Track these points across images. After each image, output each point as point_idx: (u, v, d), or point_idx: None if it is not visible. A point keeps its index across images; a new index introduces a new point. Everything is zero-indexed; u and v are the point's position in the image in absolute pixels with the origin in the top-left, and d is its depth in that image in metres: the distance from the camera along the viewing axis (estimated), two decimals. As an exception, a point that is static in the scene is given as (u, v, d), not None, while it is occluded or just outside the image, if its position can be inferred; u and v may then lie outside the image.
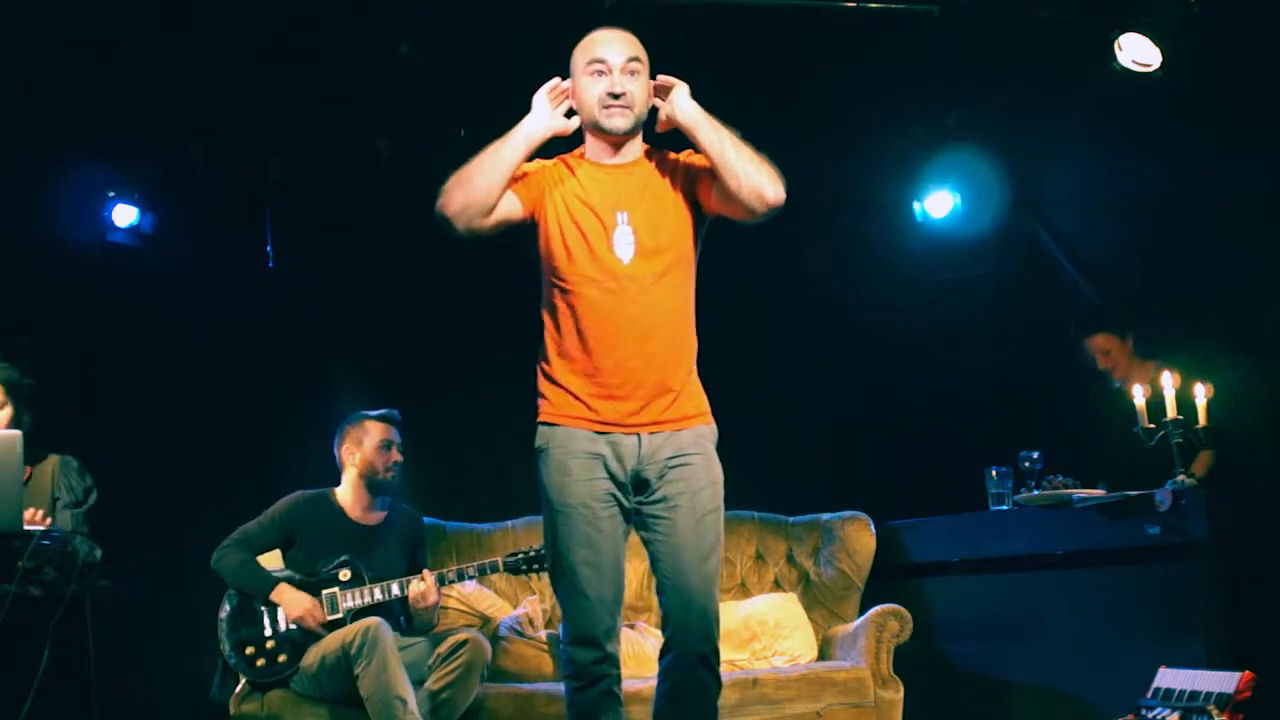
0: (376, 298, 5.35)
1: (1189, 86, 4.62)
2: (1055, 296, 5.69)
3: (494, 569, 4.19)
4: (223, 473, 4.90)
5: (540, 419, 3.02)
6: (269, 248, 5.28)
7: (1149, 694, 3.71)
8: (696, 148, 2.99)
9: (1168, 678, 3.71)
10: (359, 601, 4.06)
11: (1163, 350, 4.74)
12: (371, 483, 4.22)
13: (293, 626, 4.04)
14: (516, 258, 3.15)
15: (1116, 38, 4.58)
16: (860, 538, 4.91)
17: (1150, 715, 3.64)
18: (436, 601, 4.11)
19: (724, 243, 3.22)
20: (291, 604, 4.03)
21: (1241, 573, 3.88)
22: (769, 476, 5.22)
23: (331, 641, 3.92)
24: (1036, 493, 4.48)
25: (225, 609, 4.07)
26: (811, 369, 5.65)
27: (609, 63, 2.98)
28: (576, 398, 2.97)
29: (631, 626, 4.66)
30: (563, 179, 3.05)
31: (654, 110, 3.06)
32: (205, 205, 5.24)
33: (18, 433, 3.64)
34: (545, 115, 3.02)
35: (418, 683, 3.89)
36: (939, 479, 5.28)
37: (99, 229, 5.15)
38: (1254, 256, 4.68)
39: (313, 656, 3.97)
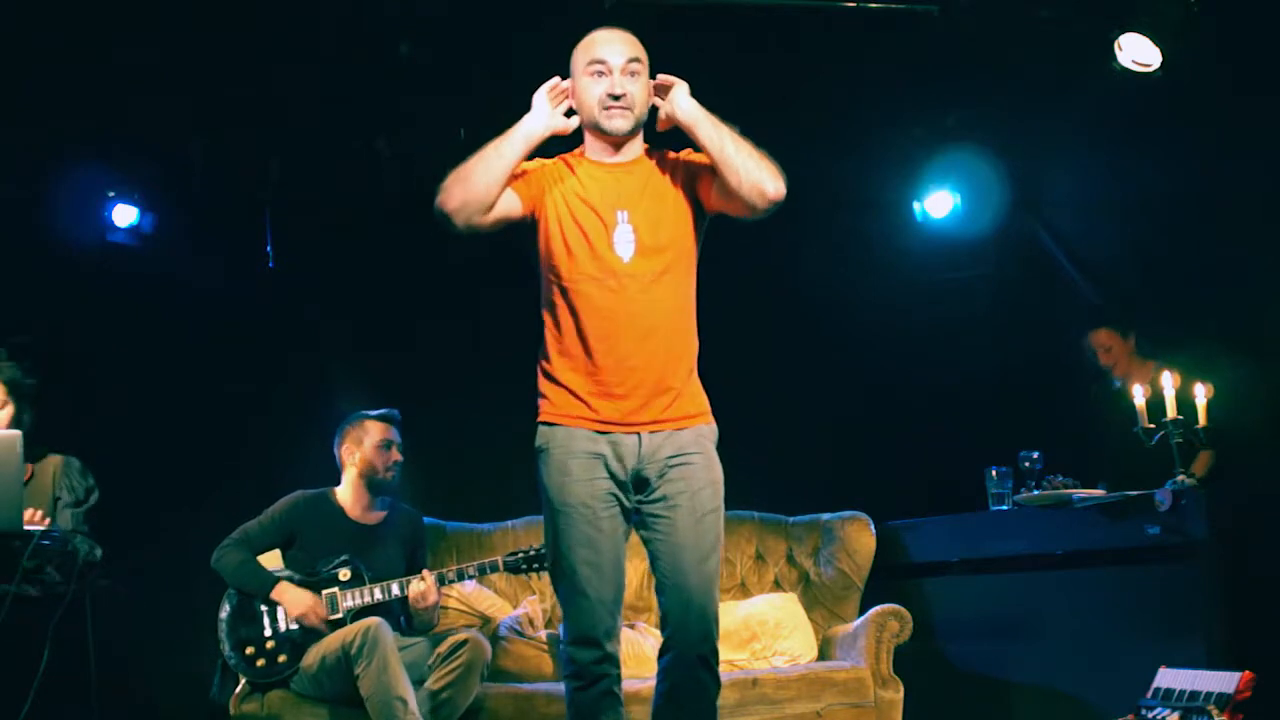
0: (376, 298, 5.35)
1: (1189, 86, 4.62)
2: (1055, 296, 5.70)
3: (494, 568, 4.19)
4: (223, 473, 4.90)
5: (540, 419, 3.02)
6: (269, 248, 5.28)
7: (1149, 694, 3.71)
8: (697, 146, 2.99)
9: (1168, 678, 3.71)
10: (359, 601, 4.06)
11: (1163, 350, 4.75)
12: (371, 482, 4.23)
13: (293, 626, 4.04)
14: (516, 257, 3.15)
15: (1116, 38, 4.58)
16: (860, 538, 4.91)
17: (1150, 715, 3.64)
18: (436, 601, 4.11)
19: (724, 243, 3.22)
20: (293, 602, 4.03)
21: (1241, 573, 3.88)
22: (769, 476, 5.23)
23: (332, 641, 3.92)
24: (1036, 493, 4.48)
25: (225, 609, 4.07)
26: (811, 369, 5.65)
27: (609, 63, 2.98)
28: (577, 396, 2.97)
29: (631, 626, 4.66)
30: (563, 177, 3.05)
31: (654, 109, 3.07)
32: (205, 205, 5.24)
33: (18, 433, 3.64)
34: (545, 114, 3.02)
35: (418, 682, 3.89)
36: (939, 479, 5.28)
37: (99, 229, 5.15)
38: (1254, 256, 4.69)
39: (313, 656, 3.97)
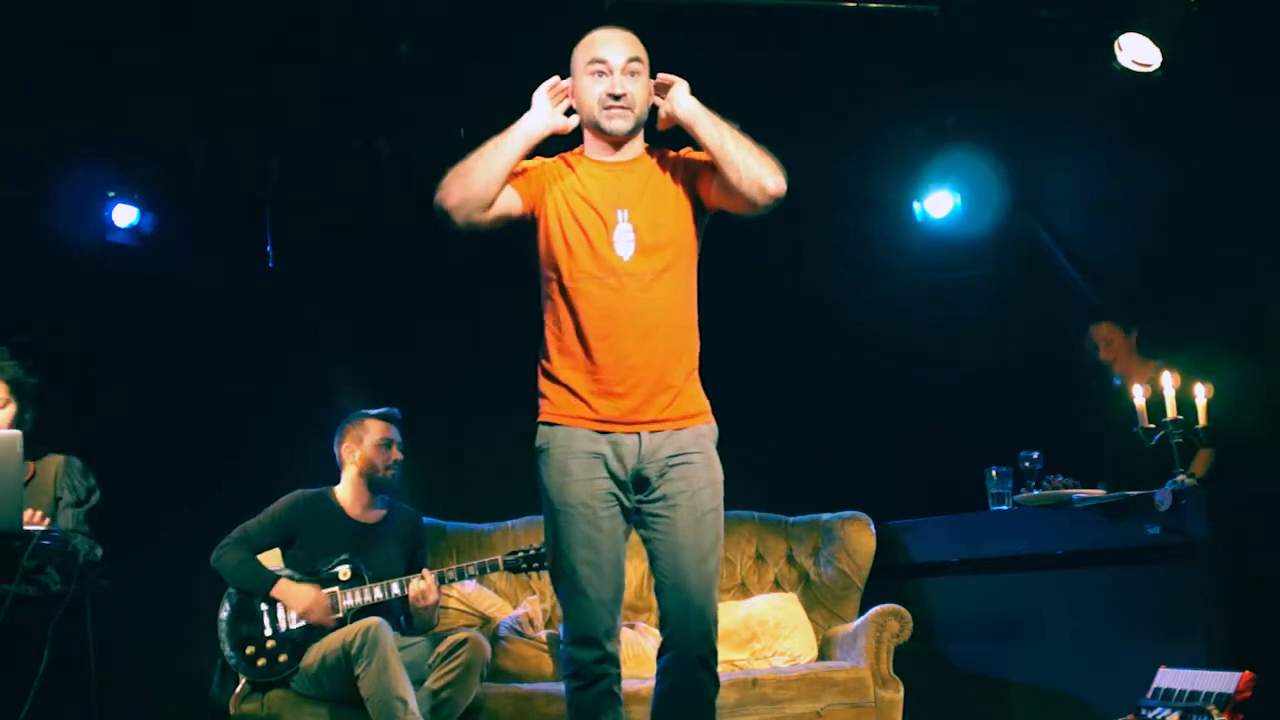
0: (376, 298, 5.35)
1: (1189, 86, 4.62)
2: (1055, 296, 5.70)
3: (494, 568, 4.19)
4: (223, 473, 4.90)
5: (541, 419, 3.03)
6: (269, 248, 5.28)
7: (1149, 694, 3.71)
8: (697, 143, 2.99)
9: (1168, 678, 3.71)
10: (359, 600, 4.06)
11: (1163, 350, 4.75)
12: (371, 481, 4.23)
13: (294, 626, 4.04)
14: (516, 257, 3.15)
15: (1116, 38, 4.58)
16: (860, 538, 4.91)
17: (1150, 715, 3.64)
18: (437, 600, 4.12)
19: (724, 242, 3.22)
20: (295, 598, 4.03)
21: (1241, 573, 3.88)
22: (769, 476, 5.22)
23: (332, 641, 3.92)
24: (1036, 493, 4.48)
25: (225, 608, 4.07)
26: (811, 369, 5.65)
27: (609, 63, 2.98)
28: (577, 395, 2.97)
29: (631, 626, 4.66)
30: (562, 176, 3.05)
31: (654, 108, 3.07)
32: (205, 205, 5.24)
33: (18, 433, 3.64)
34: (545, 113, 3.02)
35: (418, 682, 3.89)
36: (939, 479, 5.28)
37: (99, 229, 5.15)
38: (1254, 256, 4.69)
39: (313, 656, 3.97)
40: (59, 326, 4.78)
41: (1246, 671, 3.54)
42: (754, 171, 2.92)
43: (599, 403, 2.96)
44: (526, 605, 4.72)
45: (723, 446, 3.06)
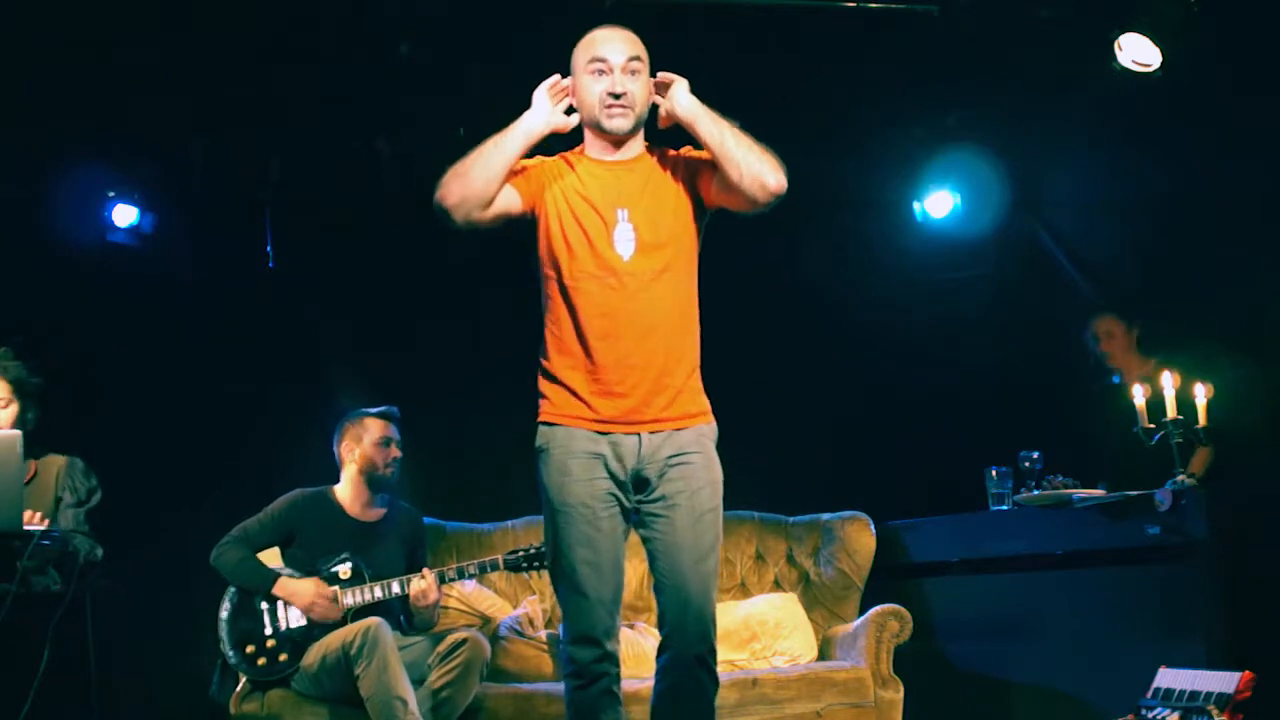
0: (376, 298, 5.35)
1: (1189, 86, 4.62)
2: (1055, 296, 5.70)
3: (494, 567, 4.19)
4: (223, 473, 4.90)
5: (541, 419, 3.03)
6: (269, 248, 5.28)
7: (1149, 694, 3.71)
8: (697, 142, 2.99)
9: (1168, 678, 3.71)
10: (359, 599, 4.06)
11: (1163, 349, 4.75)
12: (371, 479, 4.23)
13: (294, 625, 4.04)
14: (516, 257, 3.15)
15: (1116, 38, 4.58)
16: (860, 538, 4.91)
17: (1150, 715, 3.64)
18: (437, 600, 4.12)
19: (724, 242, 3.22)
20: (297, 594, 4.04)
21: (1241, 573, 3.88)
22: (769, 476, 5.23)
23: (332, 641, 3.92)
24: (1036, 493, 4.48)
25: (225, 607, 4.07)
26: (811, 369, 5.65)
27: (610, 62, 2.98)
28: (576, 395, 2.97)
29: (631, 626, 4.66)
30: (562, 174, 3.05)
31: (654, 107, 3.07)
32: (205, 205, 5.24)
33: (18, 433, 3.64)
34: (545, 111, 3.02)
35: (417, 682, 3.90)
36: (939, 479, 5.28)
37: (99, 229, 5.15)
38: (1254, 256, 4.69)
39: (314, 655, 3.97)
40: (59, 326, 4.78)
41: (1246, 671, 3.53)
42: (754, 169, 2.92)
43: (599, 403, 2.96)
44: (526, 605, 4.73)
45: (723, 446, 3.06)
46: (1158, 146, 4.98)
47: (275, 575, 4.07)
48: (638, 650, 4.45)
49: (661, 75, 3.05)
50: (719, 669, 2.99)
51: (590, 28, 3.05)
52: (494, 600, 4.76)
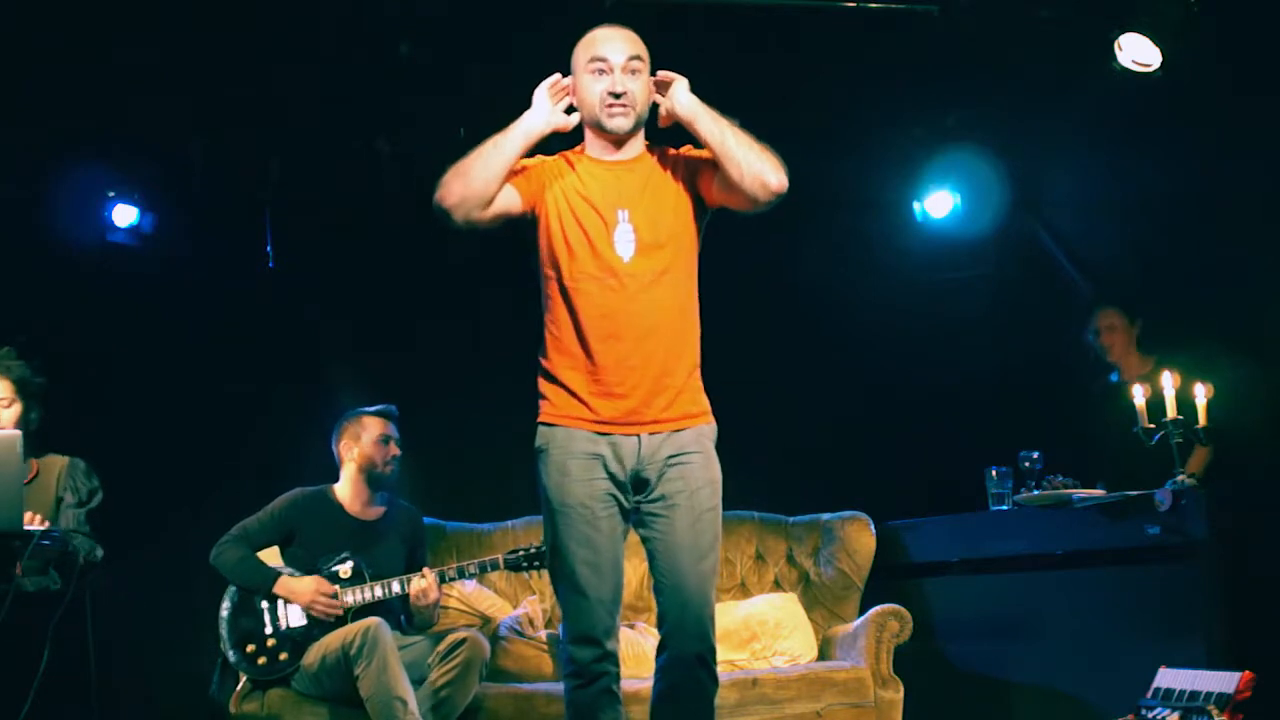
0: (376, 298, 5.35)
1: (1189, 86, 4.62)
2: (1055, 296, 5.69)
3: (494, 566, 4.20)
4: (223, 473, 4.90)
5: (540, 419, 3.03)
6: (269, 248, 5.28)
7: (1149, 694, 3.71)
8: (697, 141, 2.99)
9: (1168, 678, 3.71)
10: (359, 599, 4.06)
11: (1163, 348, 4.76)
12: (371, 477, 4.23)
13: (294, 624, 4.04)
14: (516, 257, 3.15)
15: (1116, 38, 4.58)
16: (860, 538, 4.91)
17: (1150, 715, 3.64)
18: (437, 599, 4.12)
19: (724, 242, 3.22)
20: (297, 592, 4.04)
21: (1241, 573, 3.88)
22: (769, 476, 5.23)
23: (332, 641, 3.92)
24: (1036, 493, 4.48)
25: (226, 606, 4.07)
26: (811, 369, 5.65)
27: (610, 61, 2.98)
28: (576, 396, 2.97)
29: (631, 626, 4.66)
30: (563, 174, 3.05)
31: (655, 106, 3.06)
32: (205, 205, 5.24)
33: (18, 433, 3.64)
34: (545, 111, 3.02)
35: (417, 681, 3.90)
36: (939, 479, 5.28)
37: (99, 229, 5.15)
38: (1254, 256, 4.69)
39: (314, 655, 3.97)
40: (59, 326, 4.78)
41: (1246, 671, 3.53)
42: (755, 168, 2.92)
43: (598, 403, 2.96)
44: (526, 605, 4.73)
45: (723, 446, 3.06)
46: (1158, 146, 4.98)
47: (275, 574, 4.07)
48: (638, 650, 4.45)
49: (661, 74, 3.05)
50: (719, 669, 2.99)
51: (590, 27, 3.05)
52: (494, 600, 4.76)
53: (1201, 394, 4.09)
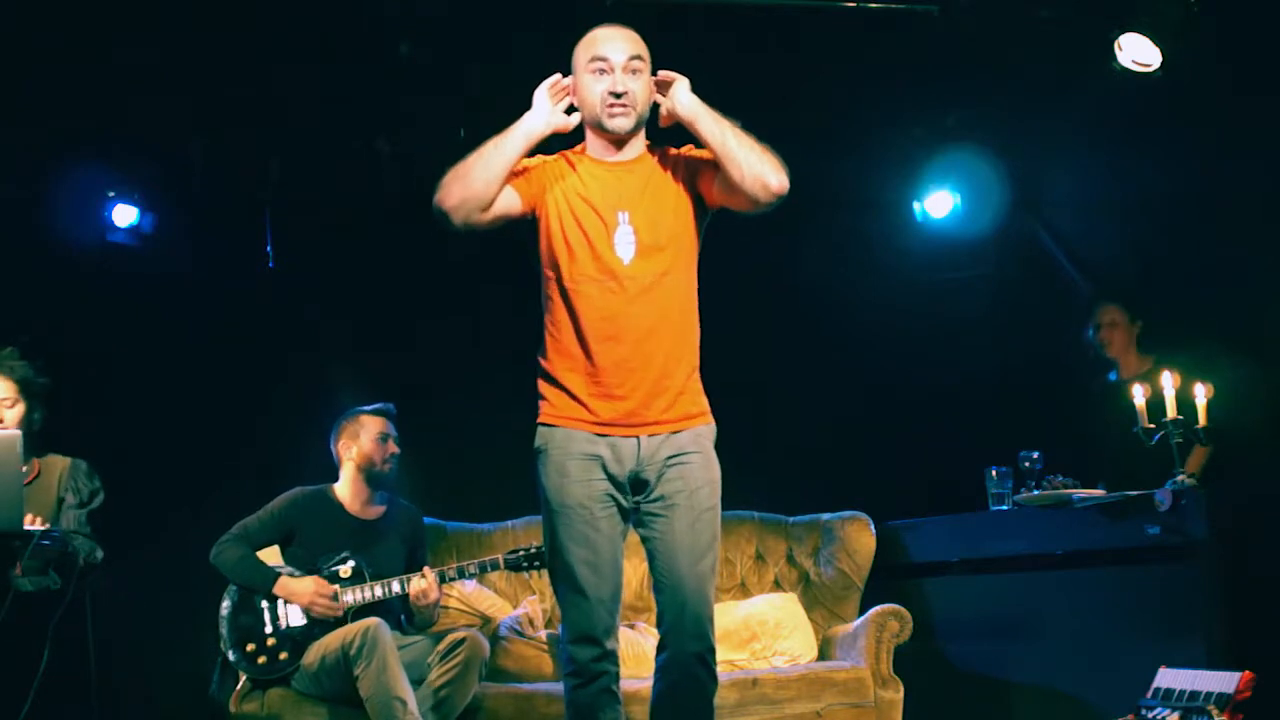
0: (376, 298, 5.35)
1: (1189, 86, 4.62)
2: (1055, 296, 5.70)
3: (495, 566, 4.20)
4: (223, 473, 4.90)
5: (540, 420, 3.03)
6: (269, 248, 5.28)
7: (1149, 694, 3.71)
8: (698, 141, 2.99)
9: (1168, 678, 3.71)
10: (360, 598, 4.06)
11: (1162, 348, 4.76)
12: (370, 476, 4.23)
13: (294, 623, 4.04)
14: (516, 256, 3.15)
15: (1116, 38, 4.58)
16: (860, 538, 4.91)
17: (1150, 715, 3.63)
18: (437, 599, 4.12)
19: (724, 242, 3.22)
20: (297, 592, 4.04)
21: (1241, 573, 3.88)
22: (769, 476, 5.23)
23: (331, 641, 3.93)
24: (1036, 493, 4.47)
25: (226, 605, 4.07)
26: (811, 369, 5.65)
27: (611, 61, 2.98)
28: (575, 398, 2.97)
29: (631, 626, 4.66)
30: (563, 175, 3.05)
31: (655, 106, 3.06)
32: (205, 205, 5.24)
33: (18, 433, 3.64)
34: (545, 111, 3.02)
35: (417, 681, 3.90)
36: (939, 479, 5.28)
37: (99, 229, 5.15)
38: (1254, 256, 4.69)
39: (314, 655, 3.97)
40: (59, 326, 4.78)
41: (1246, 671, 3.53)
42: (756, 169, 2.91)
43: (598, 405, 2.96)
44: (526, 605, 4.73)
45: (722, 446, 3.06)
46: (1158, 146, 4.98)
47: (275, 574, 4.07)
48: (638, 650, 4.45)
49: (662, 74, 3.05)
50: (719, 669, 2.99)
51: (591, 27, 3.05)
52: (494, 600, 4.76)
53: (1201, 394, 4.09)
